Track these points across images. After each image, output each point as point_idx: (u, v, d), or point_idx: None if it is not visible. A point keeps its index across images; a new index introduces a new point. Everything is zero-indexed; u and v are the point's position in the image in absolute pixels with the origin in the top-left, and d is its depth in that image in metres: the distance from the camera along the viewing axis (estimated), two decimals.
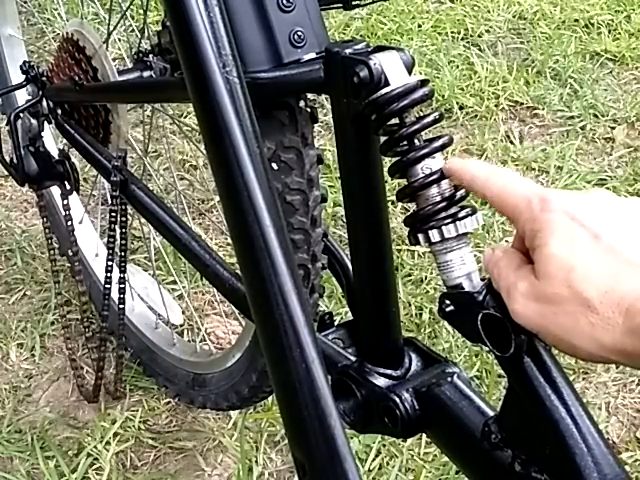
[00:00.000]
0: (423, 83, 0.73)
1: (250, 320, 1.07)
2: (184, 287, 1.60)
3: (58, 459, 1.34)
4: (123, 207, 1.17)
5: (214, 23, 0.70)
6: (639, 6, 2.64)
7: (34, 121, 1.28)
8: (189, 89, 0.71)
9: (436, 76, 2.27)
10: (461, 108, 2.19)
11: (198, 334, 1.48)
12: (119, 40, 1.87)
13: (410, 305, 1.61)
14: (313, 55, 0.82)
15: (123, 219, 1.18)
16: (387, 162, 0.74)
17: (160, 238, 1.52)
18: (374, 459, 1.33)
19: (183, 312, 1.58)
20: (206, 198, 1.88)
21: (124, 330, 1.34)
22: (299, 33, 0.81)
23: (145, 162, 1.42)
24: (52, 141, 1.56)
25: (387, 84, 0.72)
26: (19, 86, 1.32)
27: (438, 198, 0.70)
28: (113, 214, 1.17)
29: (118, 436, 1.38)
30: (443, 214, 0.70)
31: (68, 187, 1.30)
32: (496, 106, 2.20)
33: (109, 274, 1.24)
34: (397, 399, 0.78)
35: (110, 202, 1.17)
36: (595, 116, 2.19)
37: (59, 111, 1.27)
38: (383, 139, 0.74)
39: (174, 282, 1.61)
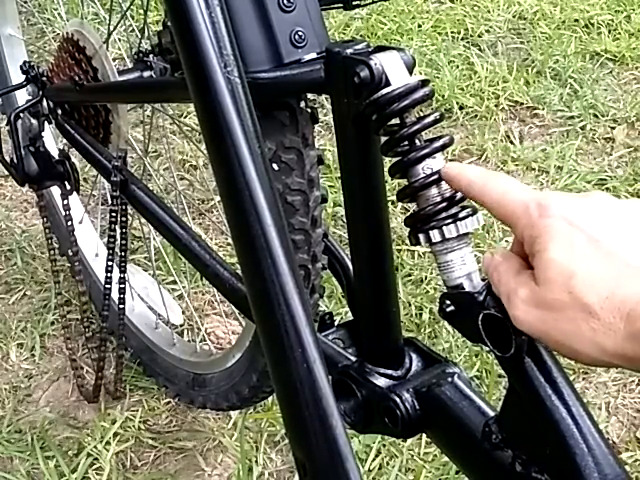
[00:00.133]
0: (423, 83, 0.73)
1: (250, 320, 1.07)
2: (184, 287, 1.60)
3: (58, 459, 1.34)
4: (123, 207, 1.17)
5: (215, 23, 0.70)
6: (639, 6, 2.64)
7: (34, 121, 1.28)
8: (190, 89, 0.71)
9: (436, 76, 2.27)
10: (461, 108, 2.19)
11: (198, 334, 1.48)
12: (119, 40, 1.87)
13: (410, 305, 1.61)
14: (314, 55, 0.82)
15: (123, 219, 1.18)
16: (387, 162, 0.74)
17: (160, 238, 1.52)
18: (374, 459, 1.33)
19: (183, 312, 1.58)
20: (206, 198, 1.88)
21: (124, 330, 1.34)
22: (300, 33, 0.81)
23: (145, 162, 1.42)
24: (52, 141, 1.56)
25: (388, 84, 0.72)
26: (19, 86, 1.32)
27: (439, 198, 0.70)
28: (113, 214, 1.17)
29: (118, 436, 1.38)
30: (444, 214, 0.70)
31: (68, 187, 1.30)
32: (496, 106, 2.21)
33: (109, 274, 1.24)
34: (397, 399, 0.78)
35: (110, 202, 1.17)
36: (595, 116, 2.19)
37: (59, 111, 1.27)
38: (384, 139, 0.74)
39: (174, 282, 1.61)
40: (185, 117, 2.04)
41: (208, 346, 1.45)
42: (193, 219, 1.79)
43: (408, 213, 0.74)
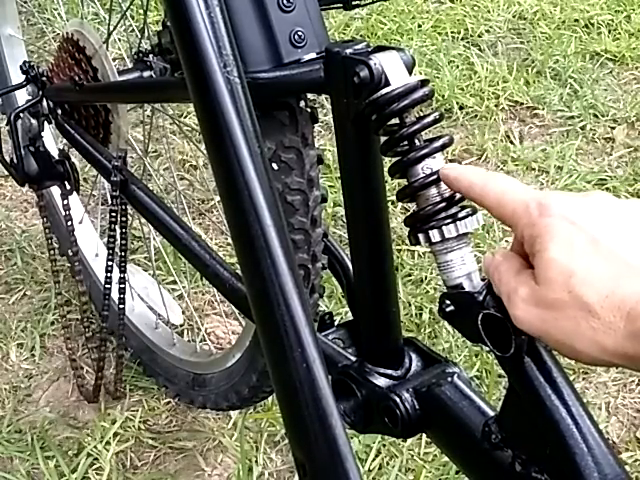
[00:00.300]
0: (423, 83, 0.73)
1: (250, 320, 1.07)
2: (184, 287, 1.60)
3: (58, 459, 1.34)
4: (123, 207, 1.17)
5: (215, 23, 0.70)
6: (639, 6, 2.64)
7: (34, 121, 1.28)
8: (190, 89, 0.71)
9: (436, 76, 2.27)
10: (461, 108, 2.19)
11: (198, 334, 1.48)
12: (119, 40, 1.87)
13: (410, 305, 1.61)
14: (313, 55, 0.82)
15: (123, 219, 1.18)
16: (387, 162, 0.74)
17: (160, 238, 1.52)
18: (374, 459, 1.33)
19: (183, 312, 1.58)
20: (206, 198, 1.88)
21: (124, 330, 1.34)
22: (299, 33, 0.81)
23: (145, 162, 1.42)
24: (52, 141, 1.56)
25: (387, 84, 0.72)
26: (19, 86, 1.32)
27: (438, 198, 0.70)
28: (113, 214, 1.17)
29: (118, 436, 1.38)
30: (443, 214, 0.70)
31: (68, 187, 1.30)
32: (496, 106, 2.21)
33: (109, 274, 1.24)
34: (397, 399, 0.78)
35: (110, 202, 1.17)
36: (595, 116, 2.19)
37: (59, 111, 1.27)
38: (383, 139, 0.74)
39: (174, 282, 1.61)
40: (185, 117, 2.04)
41: (208, 346, 1.45)
42: (193, 219, 1.79)
43: (408, 213, 0.74)
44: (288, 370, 0.65)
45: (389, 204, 0.87)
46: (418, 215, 0.71)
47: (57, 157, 1.30)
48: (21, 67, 1.30)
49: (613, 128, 2.16)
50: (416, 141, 0.72)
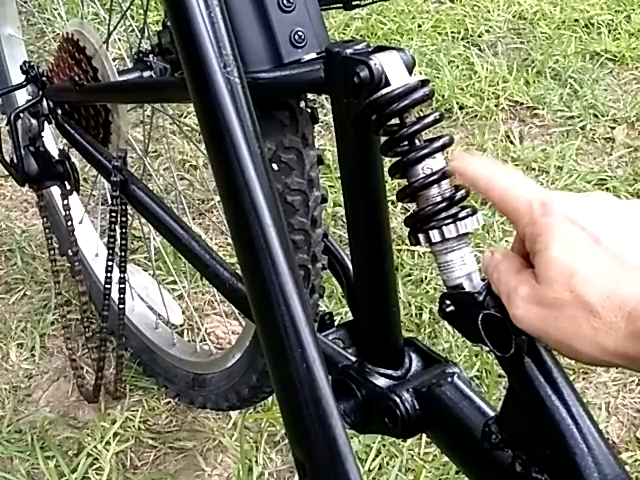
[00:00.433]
0: (423, 83, 0.73)
1: (250, 320, 1.07)
2: (184, 287, 1.60)
3: (58, 459, 1.34)
4: (123, 207, 1.17)
5: (215, 23, 0.70)
6: (639, 6, 2.64)
7: (34, 121, 1.28)
8: (190, 89, 0.71)
9: (436, 76, 2.27)
10: (461, 108, 2.19)
11: (198, 334, 1.48)
12: (119, 40, 1.87)
13: (410, 305, 1.61)
14: (313, 55, 0.82)
15: (123, 219, 1.18)
16: (387, 162, 0.74)
17: (160, 238, 1.52)
18: (374, 459, 1.33)
19: (183, 312, 1.58)
20: (206, 198, 1.88)
21: (124, 330, 1.34)
22: (299, 33, 0.81)
23: (145, 162, 1.42)
24: (52, 141, 1.56)
25: (387, 84, 0.72)
26: (19, 86, 1.32)
27: (439, 198, 0.70)
28: (113, 214, 1.17)
29: (118, 436, 1.38)
30: (443, 214, 0.70)
31: (68, 187, 1.30)
32: (496, 106, 2.20)
33: (109, 274, 1.24)
34: (397, 399, 0.78)
35: (110, 202, 1.17)
36: (595, 116, 2.19)
37: (59, 111, 1.27)
38: (383, 139, 0.74)
39: (174, 282, 1.61)
40: (185, 117, 2.04)
41: (208, 346, 1.45)
42: (193, 219, 1.79)
43: (408, 213, 0.74)
44: (288, 370, 0.65)
45: (389, 204, 0.86)
46: (418, 215, 0.71)
47: (57, 157, 1.30)
48: (21, 67, 1.30)
49: (613, 128, 2.16)
50: (416, 141, 0.72)
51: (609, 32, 2.54)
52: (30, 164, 1.30)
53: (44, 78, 1.27)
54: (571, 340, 0.57)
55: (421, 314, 1.59)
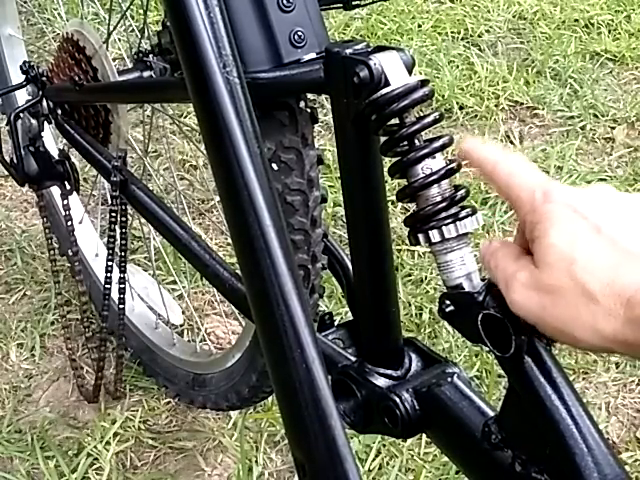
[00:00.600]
0: (423, 83, 0.73)
1: (250, 320, 1.07)
2: (184, 287, 1.60)
3: (58, 459, 1.34)
4: (123, 207, 1.17)
5: (214, 23, 0.70)
6: (639, 6, 2.64)
7: (34, 121, 1.28)
8: (189, 89, 0.71)
9: (436, 76, 2.27)
10: (461, 108, 2.19)
11: (198, 334, 1.48)
12: (119, 40, 1.87)
13: (410, 305, 1.61)
14: (313, 55, 0.82)
15: (123, 219, 1.18)
16: (387, 162, 0.74)
17: (160, 238, 1.51)
18: (374, 459, 1.33)
19: (183, 312, 1.58)
20: (206, 198, 1.88)
21: (124, 330, 1.34)
22: (299, 33, 0.81)
23: (145, 162, 1.42)
24: (52, 141, 1.56)
25: (387, 84, 0.72)
26: (19, 86, 1.32)
27: (438, 198, 0.70)
28: (113, 214, 1.17)
29: (118, 436, 1.38)
30: (443, 214, 0.70)
31: (68, 187, 1.30)
32: (496, 106, 2.20)
33: (109, 274, 1.24)
34: (397, 399, 0.78)
35: (110, 202, 1.17)
36: (595, 116, 2.19)
37: (59, 111, 1.27)
38: (383, 139, 0.74)
39: (174, 282, 1.61)
40: (185, 117, 2.04)
41: (208, 346, 1.45)
42: (193, 219, 1.79)
43: (408, 213, 0.74)
44: (288, 370, 0.65)
45: (389, 204, 0.86)
46: (418, 215, 0.71)
47: (57, 157, 1.30)
48: (21, 67, 1.30)
49: (613, 128, 2.16)
50: (416, 141, 0.72)
51: (609, 32, 2.54)
52: (30, 164, 1.30)
53: (44, 78, 1.27)
54: (569, 326, 0.57)
55: (421, 314, 1.59)
